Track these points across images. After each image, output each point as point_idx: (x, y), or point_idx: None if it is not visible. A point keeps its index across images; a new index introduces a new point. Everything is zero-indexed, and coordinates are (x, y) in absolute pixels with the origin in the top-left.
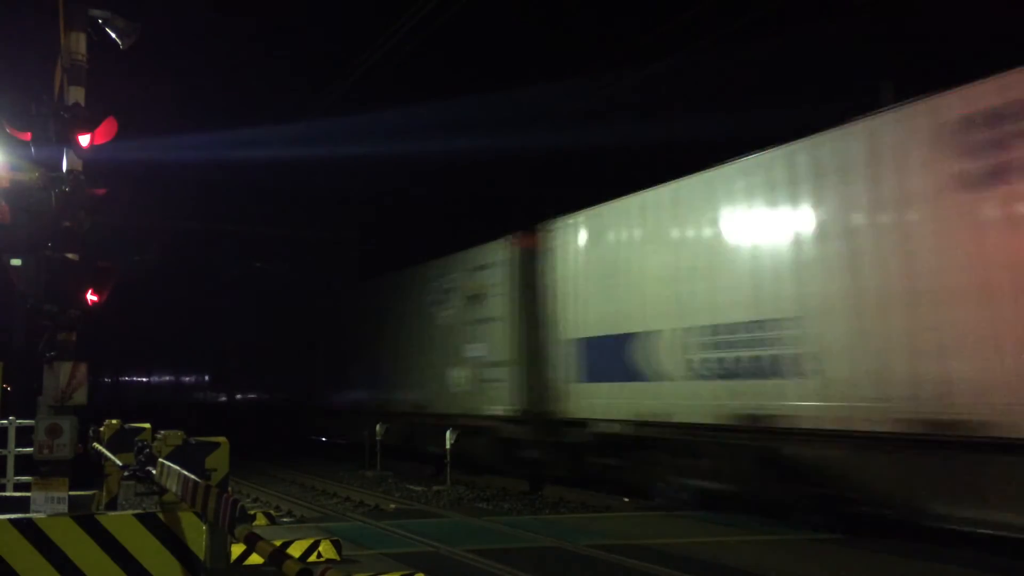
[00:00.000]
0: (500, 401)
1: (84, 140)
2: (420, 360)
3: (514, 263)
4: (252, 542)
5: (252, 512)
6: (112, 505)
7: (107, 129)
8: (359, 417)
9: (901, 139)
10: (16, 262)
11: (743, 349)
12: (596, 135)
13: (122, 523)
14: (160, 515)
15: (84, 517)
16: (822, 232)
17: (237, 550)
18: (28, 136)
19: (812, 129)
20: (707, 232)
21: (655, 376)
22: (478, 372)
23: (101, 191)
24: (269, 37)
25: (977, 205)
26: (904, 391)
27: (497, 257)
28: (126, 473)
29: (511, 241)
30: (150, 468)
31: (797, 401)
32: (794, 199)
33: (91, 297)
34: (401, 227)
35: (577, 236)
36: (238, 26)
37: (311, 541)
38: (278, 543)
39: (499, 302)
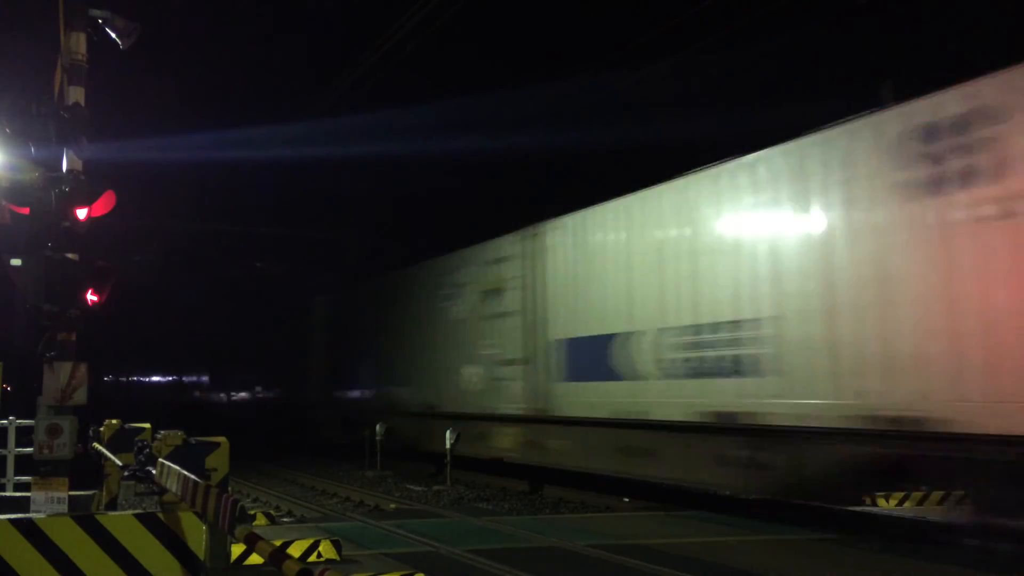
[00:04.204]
0: None
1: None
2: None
3: None
4: (252, 542)
5: (252, 512)
6: (112, 505)
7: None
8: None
9: None
10: (16, 262)
11: None
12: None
13: (122, 523)
14: (160, 515)
15: (84, 517)
16: None
17: (237, 550)
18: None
19: None
20: None
21: None
22: None
23: (109, 192)
24: (269, 37)
25: None
26: None
27: None
28: (126, 473)
29: None
30: (150, 468)
31: None
32: None
33: (91, 297)
34: (408, 225)
35: None
36: (238, 26)
37: (311, 541)
38: (278, 543)
39: None
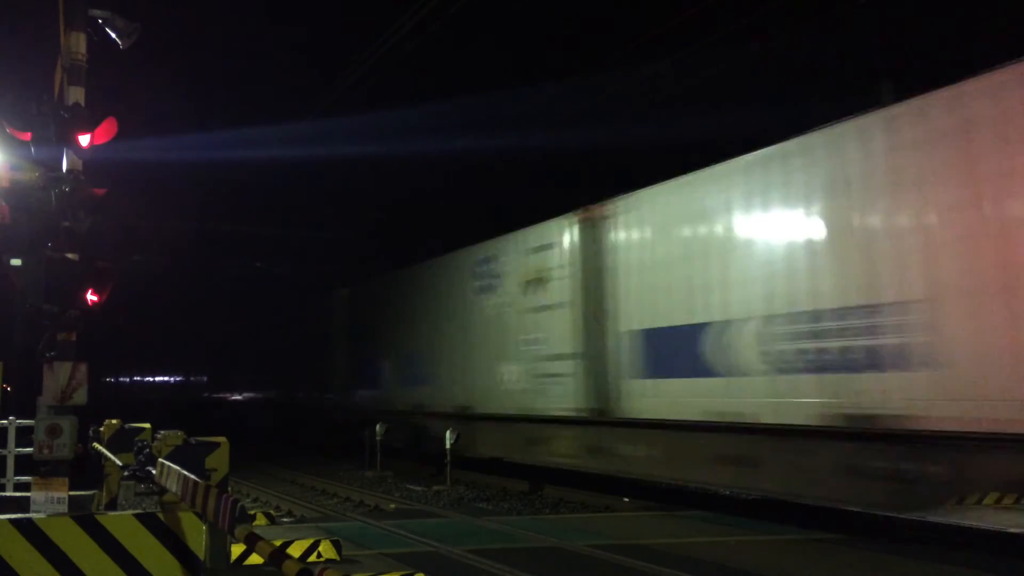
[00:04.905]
0: None
1: (84, 140)
2: None
3: None
4: (252, 542)
5: (252, 512)
6: (112, 505)
7: (107, 129)
8: None
9: None
10: (16, 262)
11: None
12: (596, 134)
13: (122, 523)
14: (160, 515)
15: (84, 517)
16: None
17: (237, 550)
18: (28, 136)
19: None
20: None
21: None
22: None
23: (101, 191)
24: (269, 37)
25: None
26: None
27: None
28: (126, 473)
29: None
30: (150, 468)
31: None
32: None
33: (91, 297)
34: (407, 224)
35: None
36: (238, 26)
37: (311, 541)
38: (278, 543)
39: None
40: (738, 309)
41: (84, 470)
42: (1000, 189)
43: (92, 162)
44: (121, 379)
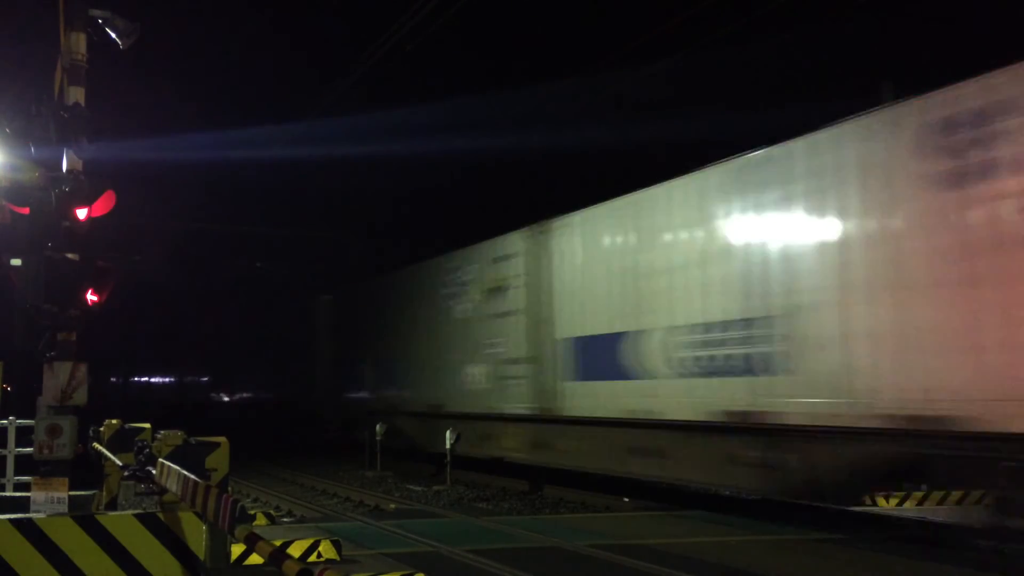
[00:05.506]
0: None
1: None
2: None
3: None
4: (252, 542)
5: (252, 512)
6: (112, 505)
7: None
8: None
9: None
10: (16, 262)
11: None
12: (597, 134)
13: (122, 523)
14: (160, 515)
15: (84, 517)
16: None
17: (237, 550)
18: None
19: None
20: None
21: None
22: None
23: (109, 192)
24: (270, 37)
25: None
26: None
27: None
28: (126, 473)
29: None
30: (150, 468)
31: None
32: None
33: (91, 297)
34: (404, 224)
35: None
36: (238, 26)
37: (311, 541)
38: (278, 543)
39: None
40: None
41: (89, 466)
42: None
43: (94, 162)
44: (118, 379)
